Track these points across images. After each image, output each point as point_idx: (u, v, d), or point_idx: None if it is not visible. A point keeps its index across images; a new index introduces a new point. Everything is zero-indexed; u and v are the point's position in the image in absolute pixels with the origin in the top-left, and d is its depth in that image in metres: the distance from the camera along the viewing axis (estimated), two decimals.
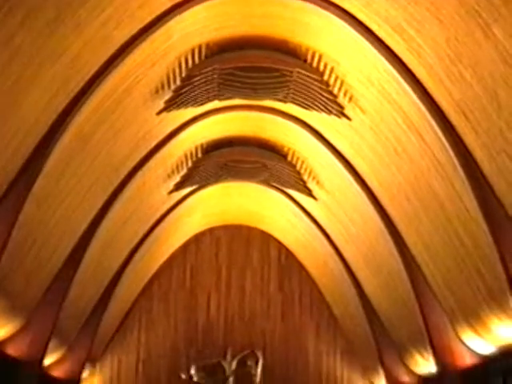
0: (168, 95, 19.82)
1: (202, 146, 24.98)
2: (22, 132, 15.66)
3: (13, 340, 20.97)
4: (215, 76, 19.78)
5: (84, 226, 22.08)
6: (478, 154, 15.83)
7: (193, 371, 30.46)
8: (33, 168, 16.70)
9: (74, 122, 17.03)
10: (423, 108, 16.70)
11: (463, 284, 19.10)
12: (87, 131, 18.34)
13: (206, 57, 19.36)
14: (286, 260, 32.70)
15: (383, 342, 27.35)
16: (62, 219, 20.20)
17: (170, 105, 20.08)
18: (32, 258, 19.72)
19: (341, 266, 27.68)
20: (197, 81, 19.62)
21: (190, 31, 18.03)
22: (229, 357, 30.76)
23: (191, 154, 24.99)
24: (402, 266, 22.13)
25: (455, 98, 15.58)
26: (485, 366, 20.05)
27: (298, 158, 25.00)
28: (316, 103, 19.94)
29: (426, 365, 23.90)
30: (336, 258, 27.74)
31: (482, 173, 16.00)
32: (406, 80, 16.71)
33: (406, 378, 26.86)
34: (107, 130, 19.28)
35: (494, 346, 18.91)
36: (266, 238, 32.65)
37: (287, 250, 32.68)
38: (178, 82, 19.55)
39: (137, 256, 27.56)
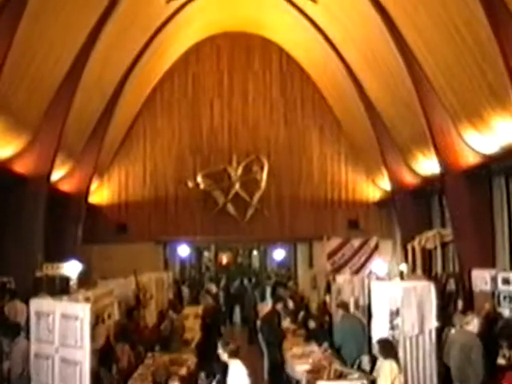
0: None
1: None
2: None
3: (19, 157, 21.20)
4: None
5: (83, 37, 21.73)
6: None
7: (199, 179, 30.99)
8: None
9: None
10: None
11: (465, 82, 18.92)
12: None
13: None
14: (287, 65, 32.38)
15: (386, 144, 27.56)
16: (60, 32, 19.85)
17: None
18: (33, 73, 19.56)
19: (342, 68, 27.39)
20: None
21: None
22: (234, 163, 31.19)
23: None
24: (403, 66, 21.79)
25: None
26: (487, 166, 20.21)
27: None
28: None
29: (429, 165, 24.16)
30: (337, 60, 27.40)
31: None
32: None
33: (409, 178, 27.28)
34: None
35: (497, 145, 18.97)
36: (267, 44, 32.19)
37: (288, 55, 32.30)
38: None
39: (138, 67, 27.27)
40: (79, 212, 28.16)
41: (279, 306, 16.33)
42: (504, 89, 16.61)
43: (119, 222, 31.08)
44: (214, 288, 27.68)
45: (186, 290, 28.73)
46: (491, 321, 13.77)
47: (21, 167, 21.51)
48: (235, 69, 32.23)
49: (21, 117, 20.11)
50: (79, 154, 26.86)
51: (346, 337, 13.75)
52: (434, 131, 21.62)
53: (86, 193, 28.61)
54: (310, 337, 15.96)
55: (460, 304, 16.69)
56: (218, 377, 10.48)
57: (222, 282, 33.29)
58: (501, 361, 12.53)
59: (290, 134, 32.03)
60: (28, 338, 10.28)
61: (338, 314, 15.14)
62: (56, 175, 24.64)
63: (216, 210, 31.23)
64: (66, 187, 26.78)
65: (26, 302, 11.10)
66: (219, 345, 9.91)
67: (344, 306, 15.43)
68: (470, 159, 20.76)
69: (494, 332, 13.37)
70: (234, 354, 9.77)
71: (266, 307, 17.70)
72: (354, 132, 31.27)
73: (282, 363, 14.77)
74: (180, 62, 32.16)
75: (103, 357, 10.92)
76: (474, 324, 11.48)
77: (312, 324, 16.26)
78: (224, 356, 9.74)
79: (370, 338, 13.22)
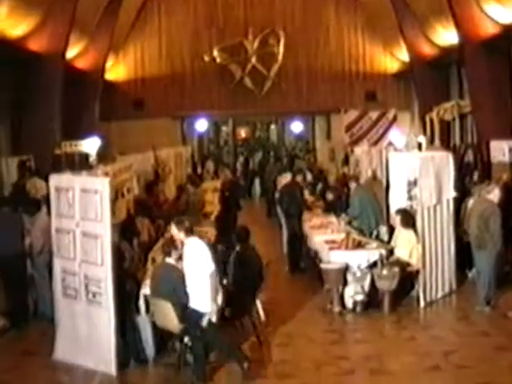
0: None
1: None
2: None
3: (33, 35, 20.95)
4: None
5: None
6: None
7: (215, 52, 30.66)
8: None
9: None
10: None
11: None
12: None
13: None
14: None
15: (404, 15, 26.97)
16: None
17: None
18: None
19: None
20: None
21: None
22: (250, 36, 30.74)
23: None
24: None
25: None
26: (507, 36, 19.75)
27: None
28: None
29: (447, 36, 23.69)
30: None
31: None
32: None
33: (427, 49, 26.81)
34: None
35: None
36: None
37: None
38: None
39: None
40: (96, 89, 28.08)
41: (299, 178, 16.44)
42: None
43: (136, 98, 30.98)
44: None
45: (210, 164, 29.10)
46: (509, 191, 13.77)
47: (35, 45, 21.30)
48: None
49: None
50: (94, 30, 26.51)
51: (360, 208, 13.85)
52: (452, 0, 21.09)
53: (102, 69, 28.44)
54: (329, 208, 16.10)
55: (476, 175, 16.72)
56: (238, 247, 10.63)
57: (241, 156, 33.55)
58: None
59: (305, 6, 31.33)
60: (49, 213, 10.43)
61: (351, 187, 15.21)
62: (71, 53, 24.42)
63: (233, 84, 31.03)
64: (81, 64, 26.59)
65: (46, 180, 11.19)
66: (173, 224, 9.28)
67: (355, 178, 15.48)
68: (489, 30, 20.30)
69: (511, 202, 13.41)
70: (190, 232, 9.10)
71: (284, 180, 17.75)
72: (370, 2, 30.53)
73: (300, 235, 14.97)
74: None
75: (124, 230, 11.09)
76: (494, 193, 11.51)
77: (330, 196, 16.38)
78: (180, 235, 9.10)
79: (388, 209, 13.37)
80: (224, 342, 9.08)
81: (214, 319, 8.74)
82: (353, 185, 14.82)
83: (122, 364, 9.21)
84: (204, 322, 8.65)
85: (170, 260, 9.27)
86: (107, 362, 9.13)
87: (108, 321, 9.08)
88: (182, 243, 9.03)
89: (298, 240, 14.99)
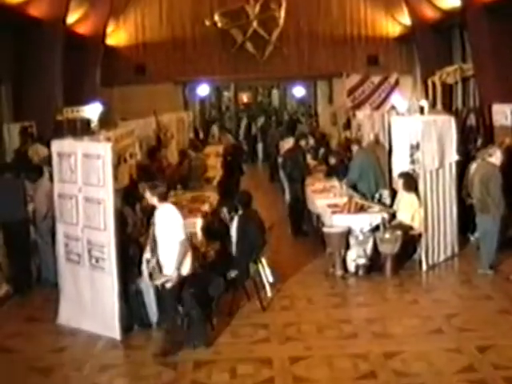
0: None
1: None
2: None
3: (34, 0, 20.78)
4: None
5: None
6: None
7: (216, 17, 30.43)
8: None
9: None
10: None
11: None
12: None
13: None
14: None
15: None
16: None
17: None
18: None
19: None
20: None
21: None
22: (252, 1, 30.48)
23: None
24: None
25: None
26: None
27: None
28: None
29: None
30: None
31: None
32: None
33: (429, 12, 26.59)
34: None
35: None
36: None
37: None
38: None
39: None
40: (97, 54, 27.93)
41: (302, 143, 16.43)
42: None
43: (137, 64, 30.77)
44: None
45: (215, 129, 29.16)
46: (511, 153, 13.75)
47: (36, 10, 21.12)
48: None
49: None
50: None
51: (360, 171, 13.84)
52: None
53: (103, 35, 28.26)
54: (331, 173, 16.09)
55: (480, 140, 16.66)
56: (240, 211, 10.62)
57: (244, 120, 33.52)
58: None
59: None
60: (51, 179, 10.44)
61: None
62: (72, 18, 24.25)
63: (234, 49, 30.81)
64: (82, 30, 26.41)
65: (48, 146, 11.18)
66: (147, 188, 9.11)
67: (357, 141, 15.45)
68: None
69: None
70: (163, 198, 9.03)
71: (287, 144, 17.75)
72: None
73: (303, 199, 14.99)
74: None
75: (127, 196, 11.10)
76: (496, 156, 11.48)
77: (332, 160, 16.36)
78: (153, 200, 8.92)
79: (390, 173, 13.36)
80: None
81: (168, 286, 8.70)
82: (355, 148, 14.80)
83: (125, 329, 9.29)
84: (167, 285, 8.69)
85: None
86: (111, 326, 9.20)
87: (111, 286, 9.14)
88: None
89: (301, 204, 15.03)
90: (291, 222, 15.17)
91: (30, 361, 8.70)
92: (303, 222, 15.08)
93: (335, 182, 15.03)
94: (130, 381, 8.04)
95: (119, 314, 9.16)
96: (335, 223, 12.02)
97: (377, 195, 13.56)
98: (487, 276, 11.36)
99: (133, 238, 10.15)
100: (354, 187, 13.81)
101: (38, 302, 10.92)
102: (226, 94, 36.00)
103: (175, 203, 9.97)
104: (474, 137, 17.42)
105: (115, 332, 9.17)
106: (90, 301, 9.50)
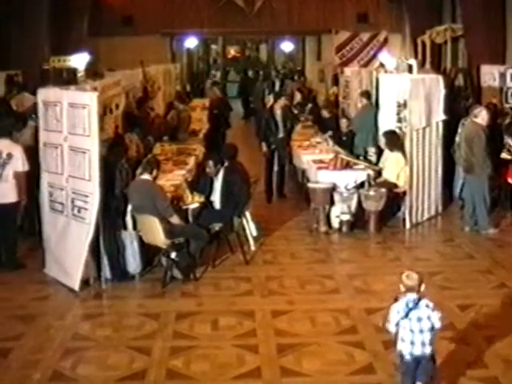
0: None
1: None
2: None
3: None
4: None
5: None
6: None
7: None
8: None
9: None
10: None
11: None
12: None
13: None
14: None
15: None
16: None
17: None
18: None
19: None
20: None
21: None
22: None
23: None
24: None
25: None
26: None
27: None
28: None
29: None
30: None
31: None
32: None
33: None
34: None
35: None
36: None
37: None
38: None
39: None
40: (84, 4, 27.55)
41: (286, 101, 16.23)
42: None
43: (125, 15, 30.39)
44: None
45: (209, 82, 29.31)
46: (496, 113, 13.76)
47: None
48: None
49: None
50: None
51: (361, 125, 13.82)
52: None
53: None
54: (324, 127, 15.94)
55: (471, 100, 16.63)
56: (226, 163, 10.58)
57: (230, 74, 33.39)
58: (505, 155, 12.65)
59: None
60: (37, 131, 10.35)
61: (361, 103, 15.09)
62: None
63: (223, 2, 30.49)
64: None
65: (34, 94, 11.06)
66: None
67: (367, 94, 15.19)
68: None
69: (498, 125, 13.40)
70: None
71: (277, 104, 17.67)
72: None
73: (289, 154, 14.91)
74: None
75: (112, 146, 11.02)
76: (482, 116, 11.47)
77: (325, 113, 16.33)
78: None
79: (377, 130, 13.35)
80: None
81: None
82: (363, 101, 14.66)
83: (107, 279, 9.30)
84: None
85: (147, 176, 9.46)
86: (71, 276, 9.20)
87: (85, 236, 9.08)
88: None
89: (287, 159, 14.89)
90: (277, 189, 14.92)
91: (13, 309, 8.69)
92: (284, 186, 14.91)
93: (321, 138, 14.97)
94: (112, 331, 8.05)
95: (83, 265, 9.11)
96: (320, 179, 12.03)
97: (362, 152, 13.57)
98: (488, 235, 11.41)
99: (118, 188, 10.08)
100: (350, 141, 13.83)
101: (23, 251, 10.83)
102: (213, 47, 35.74)
103: (161, 155, 9.94)
104: (466, 95, 17.40)
105: (74, 282, 9.14)
106: (60, 248, 9.47)
